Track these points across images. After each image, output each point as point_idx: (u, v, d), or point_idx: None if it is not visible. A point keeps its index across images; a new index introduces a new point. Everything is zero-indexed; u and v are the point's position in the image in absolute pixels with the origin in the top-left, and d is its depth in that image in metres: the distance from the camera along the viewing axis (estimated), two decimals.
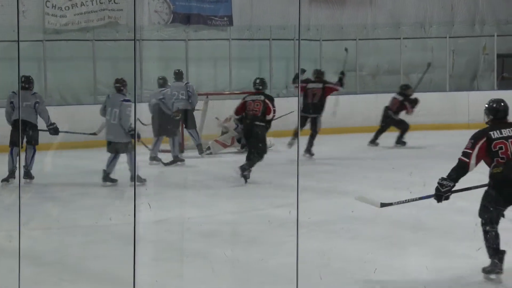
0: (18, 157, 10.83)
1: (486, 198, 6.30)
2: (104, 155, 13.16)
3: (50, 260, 6.90)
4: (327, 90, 13.47)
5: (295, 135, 12.84)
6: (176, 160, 12.67)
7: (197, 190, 10.53)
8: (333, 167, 12.25)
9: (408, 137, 15.23)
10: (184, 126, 13.63)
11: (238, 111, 11.26)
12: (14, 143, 11.00)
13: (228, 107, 15.41)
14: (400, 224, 8.07)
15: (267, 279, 6.30)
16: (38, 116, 11.13)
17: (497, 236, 6.18)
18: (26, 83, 11.25)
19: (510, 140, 6.12)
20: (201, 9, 18.45)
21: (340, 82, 13.56)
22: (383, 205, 6.81)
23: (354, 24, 19.92)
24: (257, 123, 10.98)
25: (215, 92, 16.53)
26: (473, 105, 14.93)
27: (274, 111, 11.04)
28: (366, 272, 6.40)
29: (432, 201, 8.79)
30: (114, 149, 10.66)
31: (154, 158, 12.51)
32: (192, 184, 10.88)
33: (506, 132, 6.15)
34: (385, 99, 15.60)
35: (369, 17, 20.34)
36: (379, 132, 14.93)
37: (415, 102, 15.05)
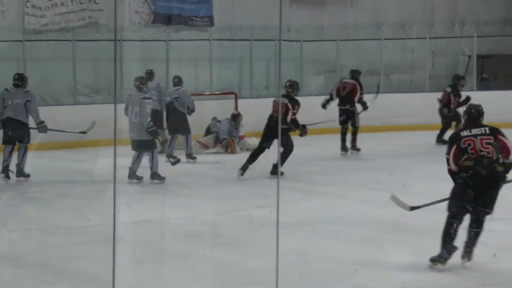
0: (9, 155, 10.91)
1: (455, 192, 6.64)
2: (85, 156, 13.14)
3: (29, 262, 6.85)
4: (354, 88, 13.84)
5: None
6: (189, 158, 13.09)
7: (178, 190, 10.51)
8: (314, 168, 12.25)
9: (388, 137, 15.30)
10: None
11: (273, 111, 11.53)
12: (6, 141, 11.06)
13: (208, 108, 15.42)
14: (381, 224, 8.09)
15: (247, 279, 6.29)
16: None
17: (455, 231, 6.51)
18: (19, 80, 11.23)
19: (479, 137, 6.59)
20: (182, 9, 18.41)
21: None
22: (412, 208, 6.96)
23: (335, 24, 19.96)
24: (274, 123, 11.25)
25: (196, 93, 16.50)
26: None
27: (294, 113, 11.25)
28: (347, 272, 6.41)
29: (414, 202, 8.86)
30: (137, 147, 10.88)
31: (170, 155, 12.55)
32: (173, 185, 10.84)
33: (475, 131, 6.63)
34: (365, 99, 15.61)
35: (350, 17, 20.39)
36: (443, 130, 14.94)
37: (459, 96, 14.95)
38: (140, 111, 10.77)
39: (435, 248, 6.76)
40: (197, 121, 14.05)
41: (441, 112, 15.00)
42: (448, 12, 21.48)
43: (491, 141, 6.57)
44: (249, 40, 18.18)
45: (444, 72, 20.81)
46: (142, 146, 10.87)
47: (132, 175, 10.89)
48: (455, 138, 6.70)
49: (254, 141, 14.42)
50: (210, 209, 9.28)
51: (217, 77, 17.74)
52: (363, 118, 14.06)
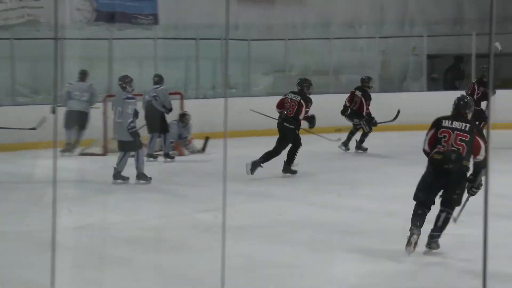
0: None
1: (422, 182, 6.99)
2: (23, 158, 12.97)
3: None
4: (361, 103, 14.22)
5: None
6: (167, 157, 13.35)
7: (121, 194, 10.44)
8: (261, 170, 12.26)
9: (335, 138, 15.37)
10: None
11: (278, 105, 11.76)
12: None
13: None
14: (329, 228, 8.15)
15: (192, 285, 6.28)
16: None
17: (422, 219, 6.88)
18: None
19: (456, 132, 6.84)
20: (126, 7, 18.30)
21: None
22: (455, 219, 7.09)
23: (283, 23, 20.05)
24: (286, 124, 11.54)
25: (139, 94, 16.39)
26: (403, 106, 15.09)
27: (307, 111, 11.60)
28: (293, 277, 6.44)
29: (362, 204, 8.97)
30: (122, 147, 11.01)
31: (151, 155, 13.11)
32: (116, 188, 10.78)
33: (456, 124, 6.89)
34: (315, 100, 15.68)
35: (299, 16, 20.48)
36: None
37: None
38: (122, 111, 10.87)
39: (383, 251, 6.84)
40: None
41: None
42: (397, 11, 21.73)
43: (466, 139, 6.81)
44: (195, 39, 18.16)
45: (394, 72, 21.08)
46: (126, 147, 10.98)
47: (117, 175, 10.97)
48: (436, 124, 6.98)
49: (200, 144, 14.43)
50: (153, 213, 9.23)
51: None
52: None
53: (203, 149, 14.34)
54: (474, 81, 14.97)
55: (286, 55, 19.20)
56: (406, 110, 15.36)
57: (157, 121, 13.37)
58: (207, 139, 14.28)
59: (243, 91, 18.91)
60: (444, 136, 6.87)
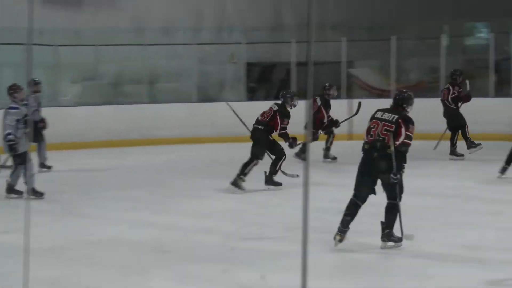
0: None
1: (357, 173, 7.74)
2: None
3: None
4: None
5: None
6: (42, 167, 13.24)
7: None
8: (68, 187, 12.14)
9: (148, 152, 15.40)
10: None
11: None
12: None
13: None
14: (140, 247, 8.19)
15: None
16: None
17: (354, 209, 7.66)
18: None
19: (383, 122, 7.63)
20: None
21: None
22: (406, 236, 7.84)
23: (93, 28, 19.87)
24: (256, 125, 11.61)
25: None
26: (221, 116, 15.29)
27: (282, 128, 11.52)
28: None
29: (175, 222, 9.11)
30: (13, 160, 10.83)
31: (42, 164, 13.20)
32: None
33: (386, 115, 7.71)
34: (129, 110, 15.75)
35: (110, 21, 20.33)
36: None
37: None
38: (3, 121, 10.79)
39: (200, 271, 7.00)
40: None
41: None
42: (215, 16, 21.99)
43: (391, 129, 7.58)
44: None
45: (212, 81, 21.30)
46: (15, 160, 10.74)
47: (10, 189, 10.77)
48: (372, 115, 7.83)
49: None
50: None
51: None
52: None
53: None
54: (446, 87, 15.35)
55: (96, 62, 19.05)
56: (226, 120, 15.60)
57: (33, 130, 12.98)
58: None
59: (49, 101, 18.57)
60: (373, 127, 7.69)
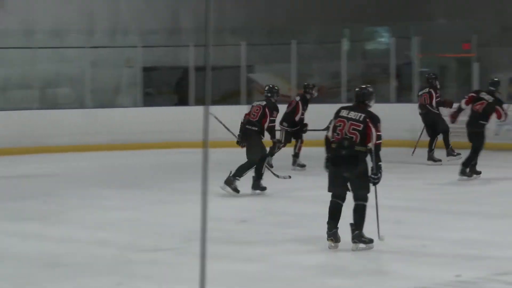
0: None
1: (329, 174, 7.87)
2: None
3: None
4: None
5: None
6: None
7: None
8: None
9: (39, 160, 15.12)
10: None
11: (245, 115, 11.93)
12: None
13: None
14: (33, 261, 7.99)
15: None
16: None
17: (337, 210, 7.77)
18: None
19: (350, 121, 7.73)
20: None
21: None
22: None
23: None
24: (249, 126, 11.65)
25: None
26: (116, 123, 15.18)
27: (271, 120, 11.66)
28: None
29: (70, 234, 8.93)
30: None
31: None
32: None
33: (352, 114, 7.80)
34: (18, 117, 15.44)
35: None
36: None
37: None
38: None
39: (95, 284, 6.88)
40: None
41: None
42: (109, 19, 21.73)
43: (359, 128, 7.69)
44: None
45: (106, 86, 21.03)
46: None
47: None
48: (336, 113, 7.91)
49: None
50: None
51: None
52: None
53: None
54: (425, 91, 15.30)
55: None
56: (121, 126, 15.48)
57: None
58: None
59: None
60: (340, 125, 7.78)
